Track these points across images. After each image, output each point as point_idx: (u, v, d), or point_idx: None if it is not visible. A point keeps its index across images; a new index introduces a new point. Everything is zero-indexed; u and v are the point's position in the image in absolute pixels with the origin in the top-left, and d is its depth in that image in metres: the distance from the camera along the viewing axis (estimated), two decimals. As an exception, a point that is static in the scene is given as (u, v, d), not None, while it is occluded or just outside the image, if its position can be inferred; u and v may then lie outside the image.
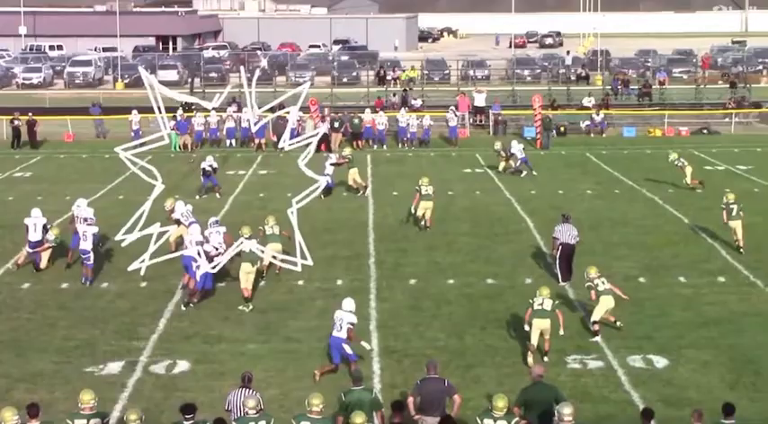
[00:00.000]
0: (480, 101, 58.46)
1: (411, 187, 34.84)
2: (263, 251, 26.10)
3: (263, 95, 63.85)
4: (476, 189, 39.91)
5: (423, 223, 32.66)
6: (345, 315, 20.61)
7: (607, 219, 34.17)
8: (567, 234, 26.75)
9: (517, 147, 42.77)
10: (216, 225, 27.06)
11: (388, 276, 27.58)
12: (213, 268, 25.28)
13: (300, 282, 26.80)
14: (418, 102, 60.17)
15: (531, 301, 21.45)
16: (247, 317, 24.26)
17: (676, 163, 38.85)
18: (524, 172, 42.16)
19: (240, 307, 24.71)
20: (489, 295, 25.89)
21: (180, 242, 28.33)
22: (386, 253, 29.98)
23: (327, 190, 37.60)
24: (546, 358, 21.09)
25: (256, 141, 50.27)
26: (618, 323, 23.04)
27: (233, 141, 51.43)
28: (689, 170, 38.63)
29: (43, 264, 28.18)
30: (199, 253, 25.37)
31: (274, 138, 50.07)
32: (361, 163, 43.69)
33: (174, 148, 50.24)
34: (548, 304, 21.22)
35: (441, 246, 30.88)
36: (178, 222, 29.07)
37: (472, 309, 24.82)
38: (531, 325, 21.15)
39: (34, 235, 28.05)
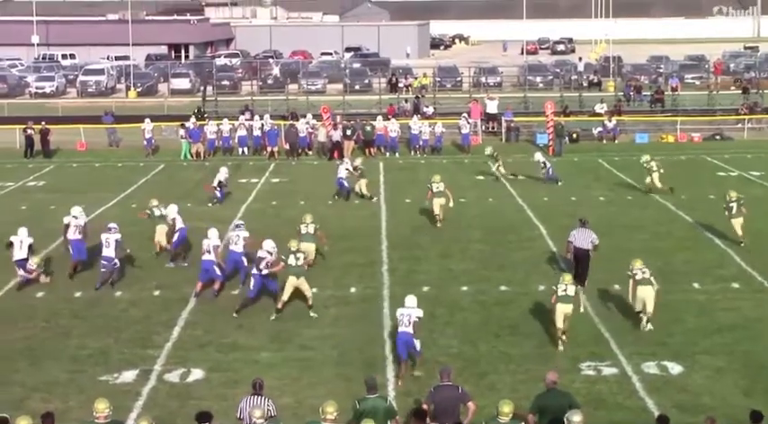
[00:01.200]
0: (492, 107, 58.39)
1: (424, 194, 35.09)
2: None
3: (276, 103, 64.27)
4: (488, 196, 39.91)
5: (437, 219, 33.61)
6: (412, 311, 20.88)
7: (620, 225, 34.11)
8: (582, 238, 26.97)
9: (542, 158, 42.55)
10: (239, 229, 27.43)
11: (402, 283, 27.53)
12: (262, 272, 25.20)
13: (314, 289, 26.71)
14: (430, 110, 60.19)
15: (554, 288, 22.66)
16: (261, 325, 24.27)
17: (645, 165, 39.17)
18: (556, 179, 41.80)
19: (272, 318, 24.64)
20: (503, 302, 25.89)
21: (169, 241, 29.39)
22: (399, 261, 30.01)
23: (346, 194, 38.73)
24: (564, 337, 22.27)
25: (268, 149, 50.34)
26: (649, 325, 23.36)
27: (245, 149, 51.48)
28: (656, 175, 38.86)
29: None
30: (217, 265, 26.07)
31: (286, 146, 50.27)
32: (374, 171, 43.74)
33: (185, 156, 50.28)
34: (571, 290, 22.43)
35: (454, 253, 30.89)
36: (172, 225, 29.68)
37: (486, 316, 24.82)
38: (555, 311, 22.45)
39: (19, 253, 27.90)
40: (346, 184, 38.67)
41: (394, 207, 37.85)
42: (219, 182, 38.25)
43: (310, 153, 51.32)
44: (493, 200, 39.07)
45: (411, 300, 21.18)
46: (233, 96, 73.59)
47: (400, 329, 20.82)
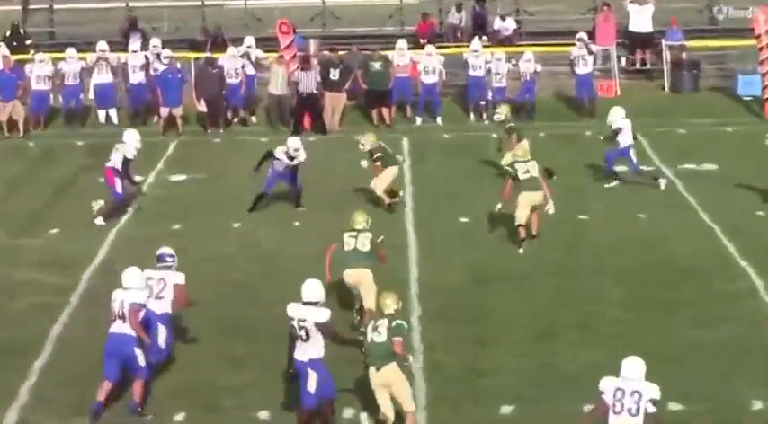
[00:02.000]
0: (641, 22, 58.46)
1: (492, 203, 35.91)
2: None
3: (179, 14, 63.70)
4: (638, 208, 39.47)
5: (530, 233, 35.75)
6: (642, 388, 22.36)
7: None
8: None
9: (620, 118, 41.98)
10: (166, 264, 28.84)
11: (454, 394, 26.98)
12: None
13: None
14: (510, 25, 60.05)
15: None
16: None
17: None
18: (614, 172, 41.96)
19: None
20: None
21: None
22: (447, 348, 29.38)
23: (258, 199, 39.66)
24: None
25: (163, 112, 50.04)
26: None
27: (112, 112, 51.64)
28: None
29: None
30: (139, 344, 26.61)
31: (201, 106, 49.55)
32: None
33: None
34: None
35: (565, 325, 30.38)
36: None
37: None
38: None
39: None
40: (270, 183, 39.52)
41: (435, 231, 37.78)
42: (125, 161, 38.95)
43: (253, 118, 51.67)
44: (647, 217, 38.83)
45: (634, 367, 22.60)
46: (85, 2, 73.09)
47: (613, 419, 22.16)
